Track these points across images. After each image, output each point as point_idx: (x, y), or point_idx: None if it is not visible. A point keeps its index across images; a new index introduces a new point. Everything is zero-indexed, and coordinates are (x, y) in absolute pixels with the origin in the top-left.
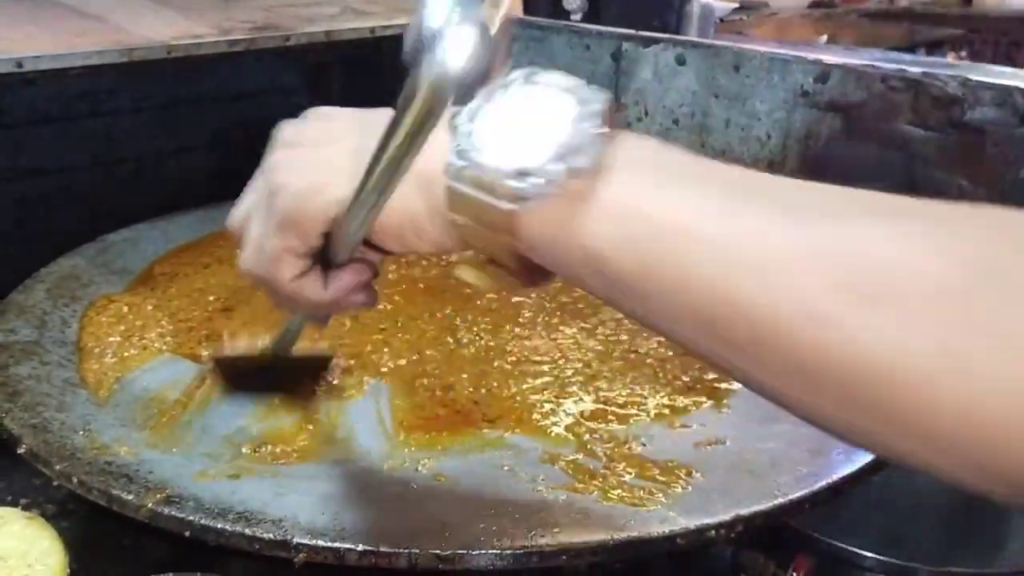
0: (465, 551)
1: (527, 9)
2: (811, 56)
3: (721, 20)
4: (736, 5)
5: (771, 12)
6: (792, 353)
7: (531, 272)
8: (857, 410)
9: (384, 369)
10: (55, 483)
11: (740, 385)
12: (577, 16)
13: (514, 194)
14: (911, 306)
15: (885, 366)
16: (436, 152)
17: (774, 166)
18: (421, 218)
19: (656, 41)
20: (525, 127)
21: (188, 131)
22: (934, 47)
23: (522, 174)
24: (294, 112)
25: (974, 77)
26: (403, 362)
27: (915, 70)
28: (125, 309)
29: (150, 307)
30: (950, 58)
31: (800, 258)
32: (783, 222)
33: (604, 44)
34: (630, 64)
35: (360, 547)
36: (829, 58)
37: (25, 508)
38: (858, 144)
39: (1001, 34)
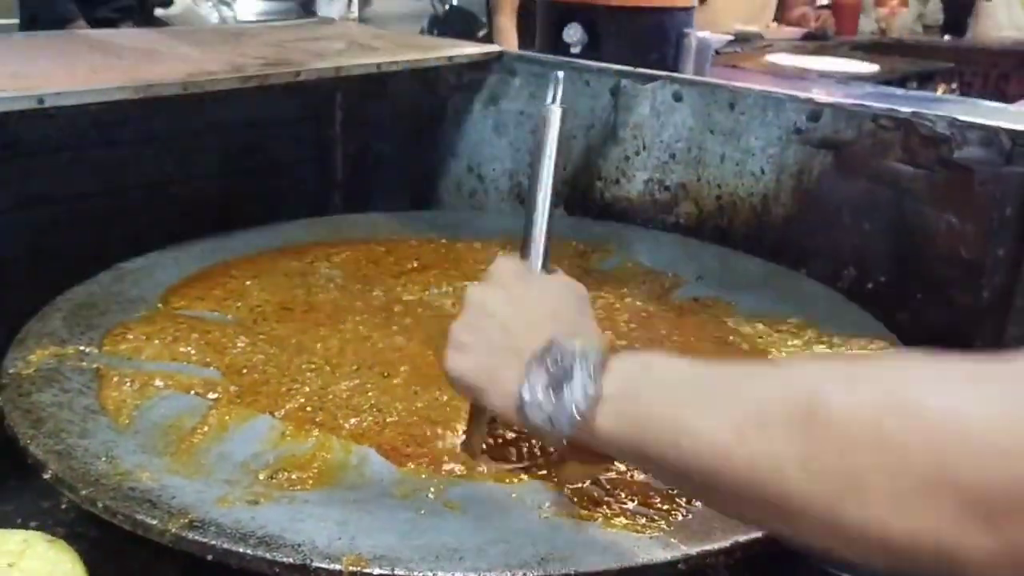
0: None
1: (528, 43)
2: (803, 95)
3: (717, 52)
4: (731, 38)
5: (765, 44)
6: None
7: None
8: None
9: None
10: (63, 506)
11: None
12: (577, 49)
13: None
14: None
15: None
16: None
17: (768, 200)
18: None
19: (654, 78)
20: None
21: (197, 159)
22: (925, 79)
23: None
24: (299, 141)
25: (962, 117)
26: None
27: (905, 109)
28: (142, 337)
29: (166, 336)
30: (940, 90)
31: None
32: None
33: (603, 80)
34: (628, 100)
35: (376, 571)
36: (821, 97)
37: (35, 531)
38: (849, 180)
39: (991, 66)
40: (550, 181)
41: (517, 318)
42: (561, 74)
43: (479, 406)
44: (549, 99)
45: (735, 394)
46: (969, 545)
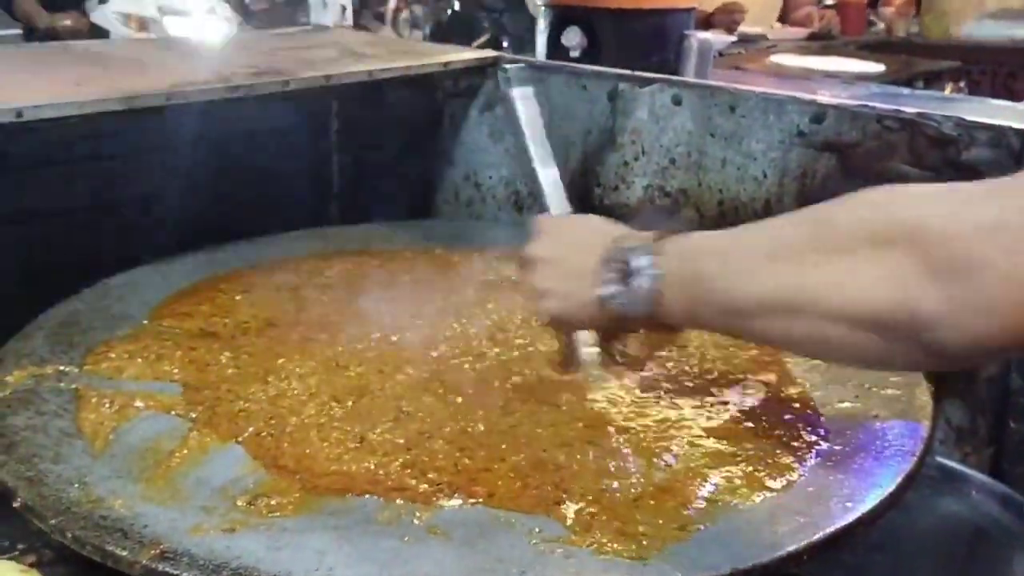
0: None
1: (526, 47)
2: (806, 96)
3: (720, 54)
4: (735, 39)
5: (770, 45)
6: None
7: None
8: None
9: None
10: None
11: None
12: (576, 53)
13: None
14: None
15: None
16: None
17: (770, 204)
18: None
19: (652, 81)
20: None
21: (190, 171)
22: (932, 78)
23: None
24: (294, 151)
25: (969, 117)
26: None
27: (910, 110)
28: (125, 355)
29: (150, 354)
30: (948, 89)
31: None
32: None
33: (601, 84)
34: (626, 104)
35: None
36: (824, 98)
37: (22, 553)
38: (854, 183)
39: (998, 65)
40: (535, 146)
41: (572, 250)
42: (512, 68)
43: (569, 333)
44: (505, 86)
45: (769, 240)
46: (927, 298)
